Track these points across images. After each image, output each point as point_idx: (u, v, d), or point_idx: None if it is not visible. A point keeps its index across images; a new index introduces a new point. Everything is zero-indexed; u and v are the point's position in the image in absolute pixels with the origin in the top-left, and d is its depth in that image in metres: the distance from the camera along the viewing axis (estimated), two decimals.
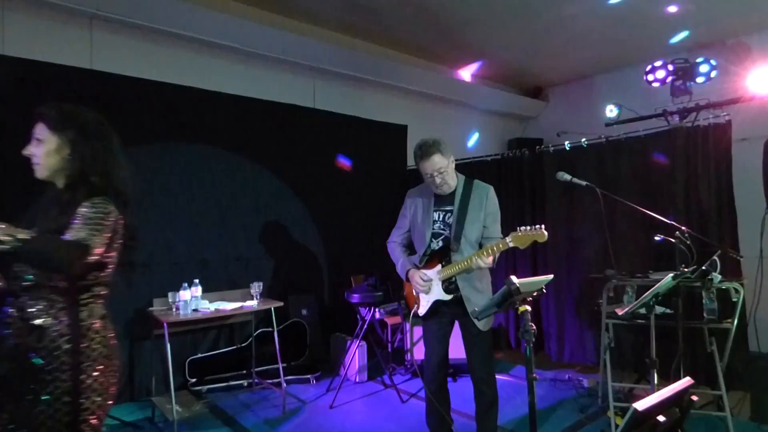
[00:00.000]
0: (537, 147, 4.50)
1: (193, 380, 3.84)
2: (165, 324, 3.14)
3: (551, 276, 1.74)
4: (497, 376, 2.50)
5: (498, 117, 6.67)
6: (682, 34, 4.79)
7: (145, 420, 3.29)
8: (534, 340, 1.68)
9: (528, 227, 2.08)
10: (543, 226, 2.05)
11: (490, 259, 2.23)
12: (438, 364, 2.48)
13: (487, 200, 2.41)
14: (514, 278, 1.68)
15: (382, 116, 5.33)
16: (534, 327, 1.67)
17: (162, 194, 3.78)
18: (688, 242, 2.61)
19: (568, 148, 4.06)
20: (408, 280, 2.47)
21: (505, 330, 4.72)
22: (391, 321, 4.22)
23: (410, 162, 5.39)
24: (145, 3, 3.55)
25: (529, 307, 1.70)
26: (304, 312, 4.32)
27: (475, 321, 2.30)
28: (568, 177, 3.01)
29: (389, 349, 4.25)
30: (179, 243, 3.86)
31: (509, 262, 4.53)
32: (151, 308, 3.54)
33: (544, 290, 1.73)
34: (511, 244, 2.13)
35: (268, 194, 4.38)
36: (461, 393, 2.48)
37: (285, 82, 4.57)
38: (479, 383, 2.42)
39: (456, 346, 2.53)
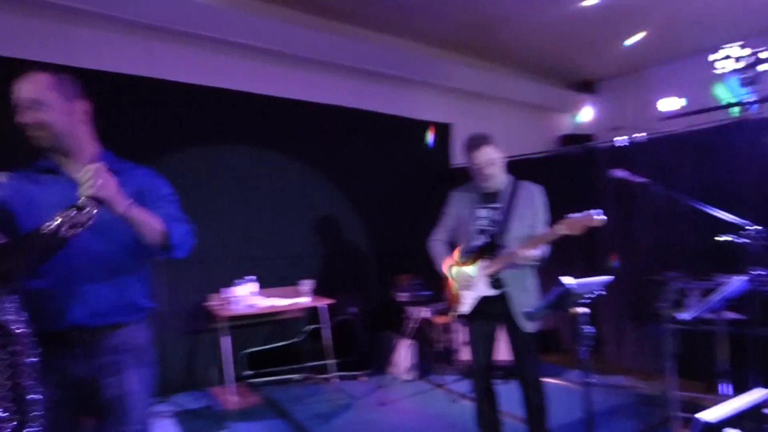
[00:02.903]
0: (588, 143, 4.36)
1: (249, 372, 4.00)
2: (222, 318, 3.29)
3: (610, 277, 1.70)
4: (549, 380, 2.46)
5: (544, 113, 6.50)
6: None
7: (205, 408, 3.46)
8: (591, 343, 1.65)
9: (580, 213, 2.04)
10: (600, 210, 2.00)
11: (537, 250, 2.19)
12: (484, 366, 2.47)
13: (536, 199, 2.39)
14: (568, 278, 1.65)
15: (426, 115, 5.33)
16: (591, 330, 1.64)
17: (217, 195, 3.96)
18: (764, 242, 2.45)
19: (622, 144, 3.90)
20: (450, 277, 2.47)
21: (558, 332, 4.59)
22: (439, 321, 4.22)
23: (454, 160, 5.39)
24: (194, 12, 3.71)
25: (585, 309, 1.67)
26: (352, 310, 4.39)
27: (521, 321, 2.29)
28: (623, 174, 2.90)
29: (438, 349, 4.25)
30: (233, 241, 4.03)
31: (561, 262, 4.39)
32: (208, 303, 3.72)
33: (604, 292, 1.69)
34: (563, 231, 2.10)
35: (317, 194, 4.50)
36: (514, 395, 2.45)
37: (329, 83, 4.65)
38: (526, 388, 2.39)
39: (507, 348, 2.51)
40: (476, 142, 2.35)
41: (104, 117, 1.67)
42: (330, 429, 3.14)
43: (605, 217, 1.99)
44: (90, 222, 1.35)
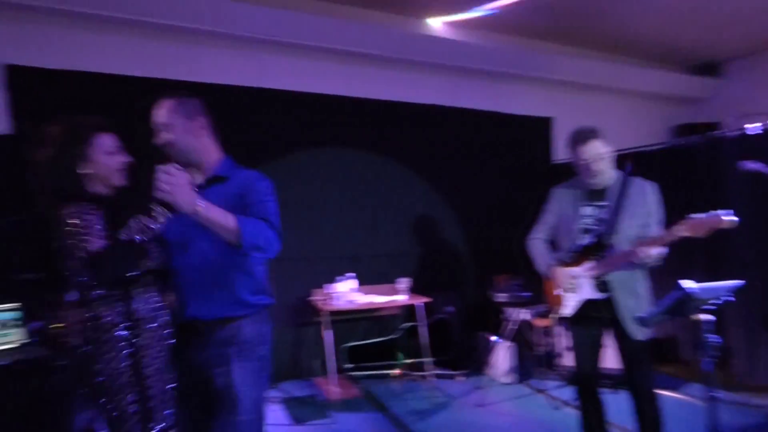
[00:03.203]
0: (712, 132, 3.91)
1: (349, 366, 4.18)
2: (324, 312, 3.49)
3: (740, 282, 1.53)
4: (665, 393, 2.27)
5: (659, 101, 5.92)
6: None
7: (309, 397, 3.69)
8: (716, 354, 1.50)
9: (705, 214, 1.86)
10: (730, 211, 1.79)
11: (654, 250, 2.02)
12: (588, 374, 2.33)
13: (649, 197, 2.21)
14: (688, 282, 1.52)
15: (525, 110, 5.15)
16: (717, 340, 1.49)
17: (319, 197, 4.19)
18: None
19: (755, 132, 3.45)
20: (550, 277, 2.37)
21: (675, 341, 4.18)
22: (539, 323, 4.06)
23: (556, 156, 5.16)
24: (296, 23, 3.95)
25: (709, 316, 1.52)
26: (448, 309, 4.39)
27: (630, 328, 2.14)
28: (756, 166, 2.57)
29: (538, 353, 4.09)
30: (335, 240, 4.24)
31: (679, 264, 3.99)
32: (311, 297, 3.95)
33: (733, 298, 1.53)
34: (683, 233, 1.92)
35: (414, 193, 4.57)
36: (624, 406, 2.29)
37: (425, 83, 4.68)
38: (637, 400, 2.22)
39: (616, 355, 2.35)
40: (583, 136, 2.23)
41: (222, 126, 1.87)
42: (428, 426, 3.17)
43: (736, 219, 1.78)
44: (159, 225, 1.47)
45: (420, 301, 3.74)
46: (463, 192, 4.76)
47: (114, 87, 3.50)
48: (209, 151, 1.77)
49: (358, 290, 3.86)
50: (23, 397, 2.06)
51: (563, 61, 5.10)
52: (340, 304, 3.66)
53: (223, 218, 1.50)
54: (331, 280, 3.84)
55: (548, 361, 4.04)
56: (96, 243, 1.49)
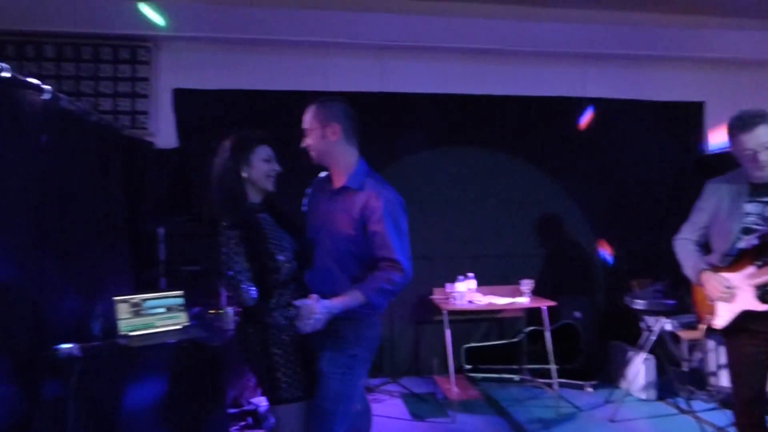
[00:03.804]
0: None
1: (469, 367, 4.13)
2: (445, 311, 3.50)
3: None
4: None
5: None
6: None
7: (429, 395, 3.73)
8: None
9: None
10: None
11: None
12: (751, 398, 2.01)
13: None
14: None
15: (669, 95, 4.59)
16: None
17: (440, 196, 4.21)
18: None
19: None
20: (699, 283, 2.08)
21: None
22: (686, 336, 3.59)
23: (707, 146, 4.56)
24: (424, 27, 4.04)
25: None
26: (576, 314, 4.10)
27: None
28: None
29: (684, 368, 3.63)
30: (455, 239, 4.22)
31: None
32: (431, 296, 3.99)
33: None
34: None
35: (540, 191, 4.36)
36: None
37: (550, 74, 4.44)
38: None
39: None
40: (747, 121, 1.93)
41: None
42: None
43: None
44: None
45: (544, 304, 3.56)
46: (596, 189, 4.41)
47: (264, 101, 3.97)
48: (343, 155, 1.89)
49: (479, 290, 3.79)
50: (186, 371, 2.42)
51: (715, 35, 4.43)
52: (460, 303, 3.64)
53: (352, 302, 1.72)
54: (453, 279, 3.83)
55: (696, 378, 3.57)
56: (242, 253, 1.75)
